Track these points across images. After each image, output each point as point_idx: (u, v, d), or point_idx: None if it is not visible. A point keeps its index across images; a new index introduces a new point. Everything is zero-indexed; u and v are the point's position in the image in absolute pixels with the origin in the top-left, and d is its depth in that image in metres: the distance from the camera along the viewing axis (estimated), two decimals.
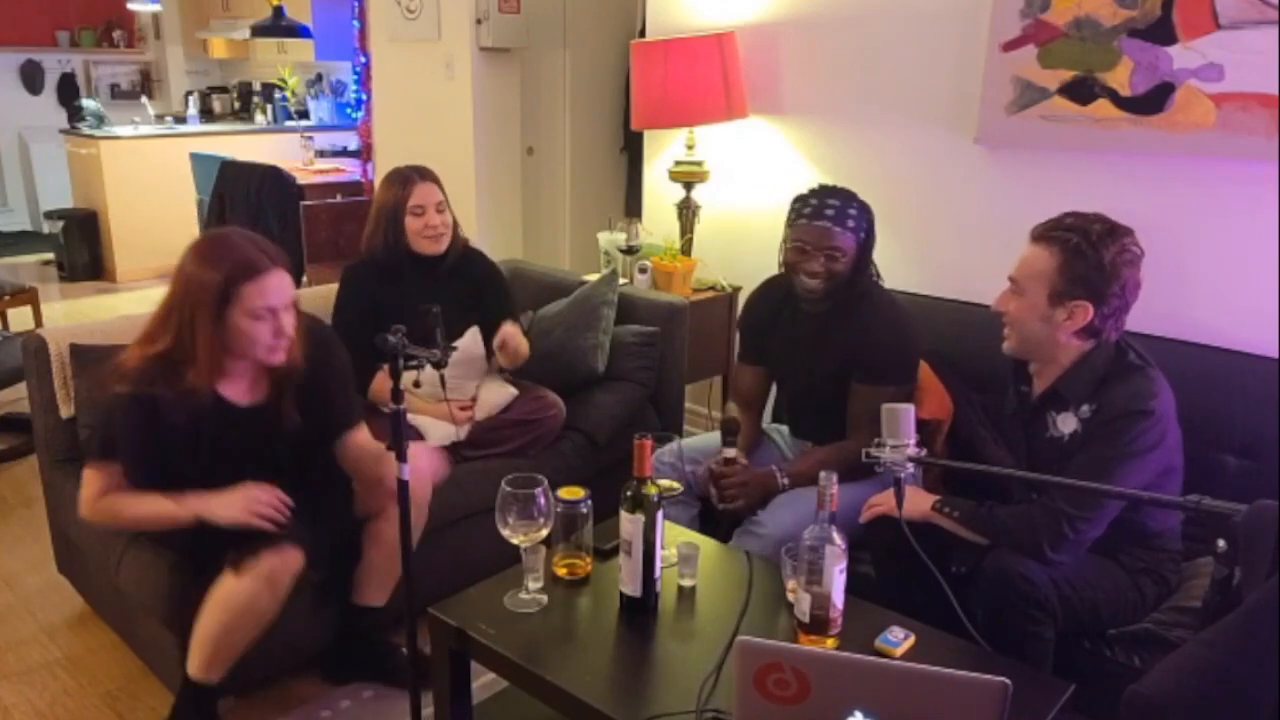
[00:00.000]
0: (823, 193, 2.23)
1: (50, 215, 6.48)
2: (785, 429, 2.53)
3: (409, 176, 2.57)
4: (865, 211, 2.23)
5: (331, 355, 2.10)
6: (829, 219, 2.18)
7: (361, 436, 2.14)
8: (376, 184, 5.00)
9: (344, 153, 6.53)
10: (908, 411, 1.62)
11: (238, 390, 1.99)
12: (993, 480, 2.01)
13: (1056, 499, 1.80)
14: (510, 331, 2.52)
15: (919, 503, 1.94)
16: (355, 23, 4.94)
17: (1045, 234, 1.90)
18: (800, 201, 2.25)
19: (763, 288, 2.47)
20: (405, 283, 2.55)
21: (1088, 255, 1.82)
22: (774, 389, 2.55)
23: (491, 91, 4.39)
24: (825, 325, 2.27)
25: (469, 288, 2.67)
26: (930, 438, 2.23)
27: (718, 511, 2.25)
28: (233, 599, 1.88)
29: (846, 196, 2.23)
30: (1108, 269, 1.82)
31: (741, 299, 3.20)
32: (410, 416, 2.26)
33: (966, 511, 1.90)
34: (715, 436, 2.30)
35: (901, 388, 2.18)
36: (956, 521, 1.90)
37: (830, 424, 2.28)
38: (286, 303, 1.92)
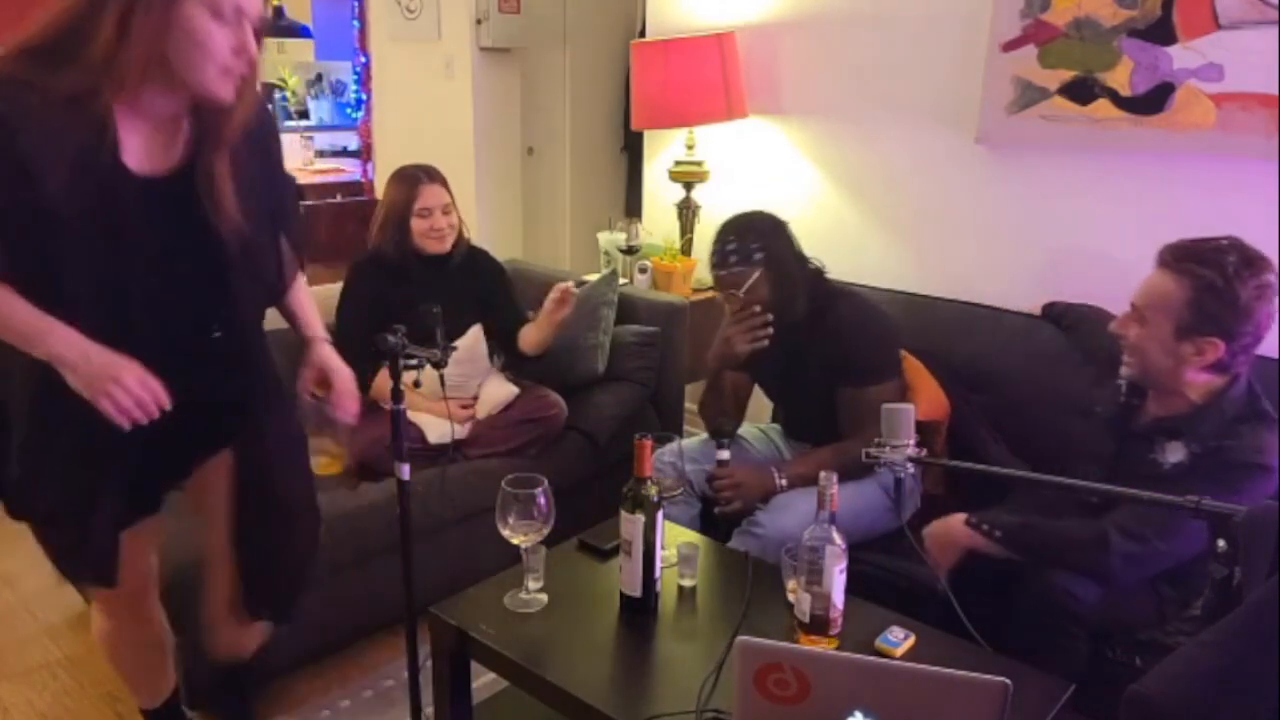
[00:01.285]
0: (721, 236, 2.18)
1: None
2: (780, 428, 2.53)
3: (417, 177, 2.59)
4: (763, 235, 2.15)
5: (269, 114, 1.50)
6: (728, 264, 2.14)
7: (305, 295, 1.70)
8: (377, 184, 5.06)
9: (344, 153, 6.53)
10: (908, 412, 1.61)
11: (133, 149, 1.37)
12: (994, 481, 2.00)
13: (1126, 522, 1.72)
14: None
15: (952, 533, 1.85)
16: (355, 22, 4.95)
17: (1174, 262, 1.74)
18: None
19: None
20: (412, 281, 2.57)
21: (1222, 293, 1.67)
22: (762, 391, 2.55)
23: (491, 91, 4.39)
24: (799, 338, 2.21)
25: (474, 287, 2.69)
26: (929, 438, 2.23)
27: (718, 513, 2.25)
28: (100, 635, 1.82)
29: (741, 230, 2.16)
30: (1242, 308, 1.68)
31: None
32: (410, 414, 2.26)
33: (1010, 530, 1.80)
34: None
35: (889, 383, 2.18)
36: (998, 543, 1.80)
37: (824, 427, 2.27)
38: (257, 8, 1.38)
